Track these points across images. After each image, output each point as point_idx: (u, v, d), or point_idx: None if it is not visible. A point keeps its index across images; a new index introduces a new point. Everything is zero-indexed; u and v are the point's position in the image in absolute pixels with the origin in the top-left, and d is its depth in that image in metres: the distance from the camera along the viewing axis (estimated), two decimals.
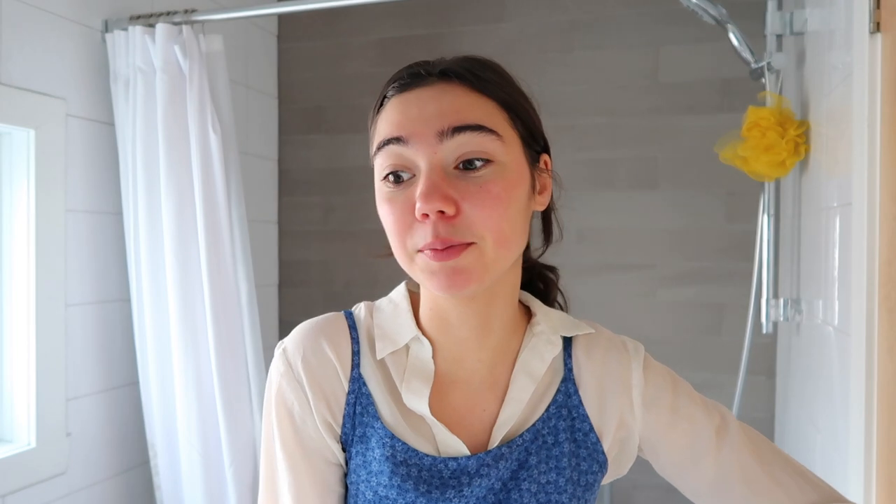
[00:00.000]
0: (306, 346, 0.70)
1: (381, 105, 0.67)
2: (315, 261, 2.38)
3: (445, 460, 0.67)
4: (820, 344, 1.32)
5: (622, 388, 0.71)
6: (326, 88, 2.35)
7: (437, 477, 0.66)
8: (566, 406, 0.70)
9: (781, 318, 1.57)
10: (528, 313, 0.75)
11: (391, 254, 0.67)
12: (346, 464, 0.70)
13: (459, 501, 0.66)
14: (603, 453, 0.70)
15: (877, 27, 0.95)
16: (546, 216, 0.75)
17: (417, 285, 0.74)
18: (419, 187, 0.61)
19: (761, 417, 1.95)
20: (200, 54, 1.67)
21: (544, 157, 0.70)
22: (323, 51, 2.35)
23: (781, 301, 1.57)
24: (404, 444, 0.67)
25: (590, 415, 0.71)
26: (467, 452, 0.67)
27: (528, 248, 0.74)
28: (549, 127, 0.72)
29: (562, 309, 0.79)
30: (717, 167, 1.55)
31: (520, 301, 0.75)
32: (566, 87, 2.09)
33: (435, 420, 0.67)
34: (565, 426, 0.69)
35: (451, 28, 2.21)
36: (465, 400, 0.70)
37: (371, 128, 0.68)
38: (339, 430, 0.69)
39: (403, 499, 0.65)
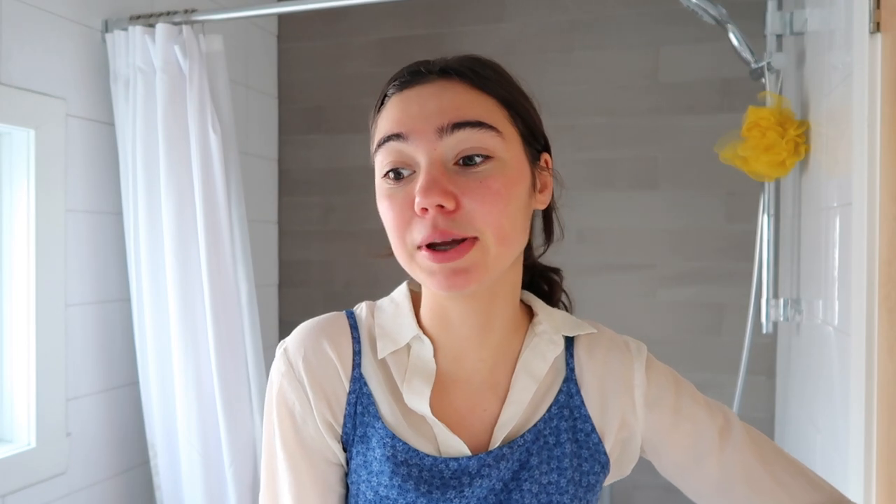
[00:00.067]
0: (307, 345, 0.70)
1: (382, 104, 0.67)
2: (315, 261, 2.38)
3: (446, 460, 0.66)
4: (820, 344, 1.32)
5: (624, 388, 0.71)
6: (326, 88, 2.35)
7: (438, 477, 0.66)
8: (568, 406, 0.70)
9: (781, 318, 1.57)
10: (530, 313, 0.75)
11: (391, 254, 0.67)
12: (347, 464, 0.70)
13: (460, 502, 0.66)
14: (605, 454, 0.70)
15: (877, 27, 0.95)
16: (547, 215, 0.75)
17: (419, 284, 0.73)
18: (419, 182, 0.61)
19: (761, 417, 1.95)
20: (200, 54, 1.67)
21: (545, 155, 0.71)
22: (323, 51, 2.35)
23: (781, 301, 1.57)
24: (405, 444, 0.67)
25: (592, 415, 0.70)
26: (468, 453, 0.67)
27: (529, 247, 0.74)
28: (549, 127, 0.72)
29: (566, 310, 0.79)
30: (717, 167, 1.55)
31: (522, 301, 0.75)
32: (566, 87, 2.09)
33: (436, 420, 0.67)
34: (567, 426, 0.69)
35: (452, 28, 2.21)
36: (466, 400, 0.70)
37: (371, 127, 0.69)
38: (339, 430, 0.69)
39: (404, 499, 0.65)
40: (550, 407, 0.70)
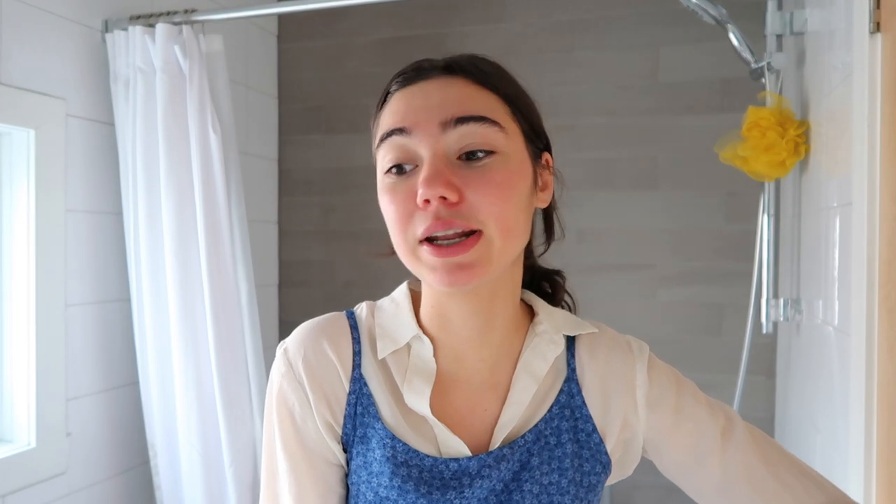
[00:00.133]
0: (307, 346, 0.70)
1: (385, 101, 0.67)
2: (315, 261, 2.38)
3: (446, 461, 0.66)
4: (820, 344, 1.32)
5: (626, 388, 0.71)
6: (326, 88, 2.35)
7: (438, 478, 0.66)
8: (569, 406, 0.70)
9: (781, 318, 1.57)
10: (530, 313, 0.74)
11: (392, 253, 0.67)
12: (347, 464, 0.70)
13: (460, 502, 0.66)
14: (606, 454, 0.70)
15: (877, 27, 0.95)
16: (548, 215, 0.75)
17: (419, 284, 0.73)
18: (421, 174, 0.61)
19: (761, 417, 1.95)
20: (200, 54, 1.67)
21: (546, 155, 0.71)
22: (323, 51, 2.35)
23: (781, 301, 1.57)
24: (405, 444, 0.66)
25: (593, 415, 0.70)
26: (468, 453, 0.67)
27: (529, 247, 0.74)
28: (549, 127, 0.72)
29: (569, 311, 0.78)
30: (717, 167, 1.55)
31: (522, 300, 0.75)
32: (566, 87, 2.09)
33: (436, 420, 0.67)
34: (568, 427, 0.69)
35: (452, 28, 2.21)
36: (466, 400, 0.69)
37: (373, 125, 0.68)
38: (339, 431, 0.69)
39: (404, 500, 0.65)
40: (551, 407, 0.69)
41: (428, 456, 0.66)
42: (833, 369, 1.20)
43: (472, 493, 0.66)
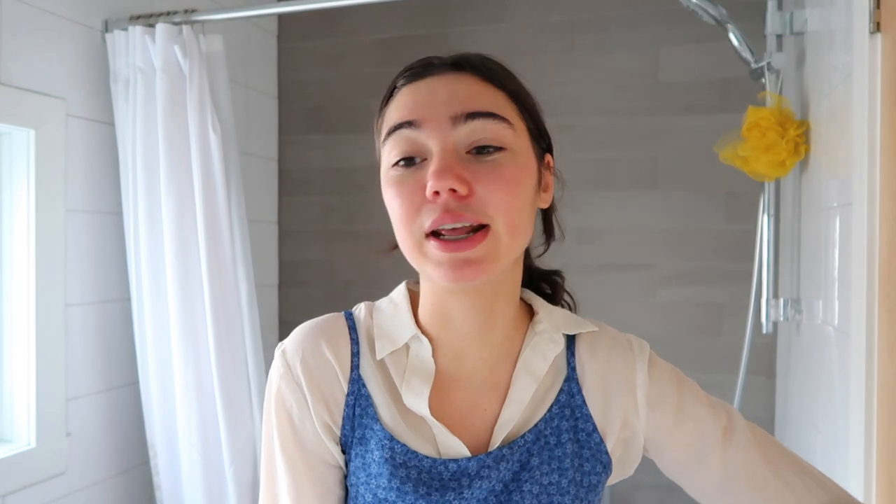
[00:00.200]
0: (305, 347, 0.69)
1: (391, 96, 0.67)
2: (315, 261, 2.38)
3: (445, 462, 0.66)
4: (820, 344, 1.32)
5: (626, 387, 0.71)
6: (326, 88, 2.35)
7: (437, 479, 0.66)
8: (569, 406, 0.70)
9: (781, 318, 1.57)
10: (530, 312, 0.74)
11: (394, 248, 0.67)
12: (346, 466, 0.70)
13: (459, 503, 0.65)
14: (607, 454, 0.69)
15: (877, 27, 0.95)
16: (547, 216, 0.75)
17: (418, 284, 0.73)
18: (431, 166, 0.60)
19: (761, 417, 1.95)
20: (200, 54, 1.67)
21: (548, 155, 0.71)
22: (323, 51, 2.35)
23: (781, 301, 1.57)
24: (403, 445, 0.66)
25: (593, 414, 0.70)
26: (467, 454, 0.66)
27: (528, 247, 0.74)
28: (549, 127, 0.72)
29: (570, 310, 0.78)
30: (717, 167, 1.55)
31: (522, 299, 0.74)
32: (566, 87, 2.09)
33: (435, 420, 0.67)
34: (568, 426, 0.69)
35: (452, 28, 2.21)
36: (465, 400, 0.69)
37: (378, 120, 0.68)
38: (338, 432, 0.69)
39: (403, 501, 0.65)
40: (551, 406, 0.69)
41: (427, 457, 0.66)
42: (833, 369, 1.20)
43: (472, 493, 0.65)
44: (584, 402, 0.70)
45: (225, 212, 1.69)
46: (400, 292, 0.74)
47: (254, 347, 1.76)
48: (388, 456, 0.66)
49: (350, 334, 0.71)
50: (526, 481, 0.66)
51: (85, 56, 1.67)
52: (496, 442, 0.67)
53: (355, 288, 2.32)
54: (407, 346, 0.70)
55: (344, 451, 0.69)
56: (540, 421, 0.68)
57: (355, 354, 0.70)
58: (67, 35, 1.62)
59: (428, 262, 0.62)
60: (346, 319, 0.72)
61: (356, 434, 0.68)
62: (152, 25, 1.67)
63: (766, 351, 1.94)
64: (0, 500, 1.46)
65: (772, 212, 1.56)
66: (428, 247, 0.61)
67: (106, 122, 1.73)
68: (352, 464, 0.68)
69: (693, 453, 0.70)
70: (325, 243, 2.36)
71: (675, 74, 2.01)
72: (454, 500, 0.65)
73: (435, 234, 0.61)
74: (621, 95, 2.05)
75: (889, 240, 0.90)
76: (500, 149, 0.62)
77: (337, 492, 0.70)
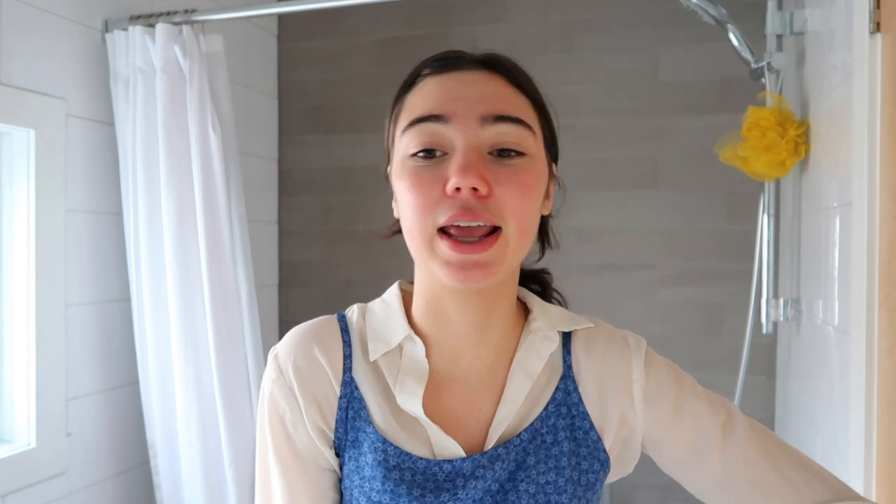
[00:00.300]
0: (297, 351, 0.69)
1: (413, 83, 0.66)
2: (315, 261, 2.38)
3: (440, 463, 0.65)
4: (820, 344, 1.32)
5: (623, 384, 0.70)
6: (326, 88, 2.35)
7: (432, 480, 0.65)
8: (565, 404, 0.69)
9: (781, 318, 1.57)
10: (525, 310, 0.74)
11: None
12: (340, 469, 0.69)
13: None
14: (604, 451, 0.69)
15: (877, 27, 0.95)
16: (543, 223, 0.74)
17: (411, 284, 0.72)
18: (455, 162, 0.60)
19: (761, 417, 1.93)
20: (200, 54, 1.67)
21: (553, 164, 0.71)
22: (323, 51, 2.35)
23: (781, 301, 1.57)
24: (396, 448, 0.66)
25: (590, 412, 0.69)
26: (462, 454, 0.66)
27: None
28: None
29: (561, 306, 0.78)
30: (717, 167, 1.55)
31: (517, 297, 0.74)
32: (566, 87, 2.09)
33: (429, 421, 0.66)
34: (565, 425, 0.68)
35: (452, 28, 2.21)
36: (461, 399, 0.69)
37: (395, 107, 0.67)
38: (331, 436, 0.68)
39: (397, 503, 0.64)
40: (547, 405, 0.69)
41: (421, 458, 0.66)
42: (833, 369, 1.20)
43: (467, 494, 0.65)
44: (580, 399, 0.70)
45: (225, 212, 1.69)
46: (392, 293, 0.73)
47: (254, 347, 1.76)
48: (381, 458, 0.65)
49: (342, 337, 0.70)
50: (522, 480, 0.66)
51: (85, 56, 1.67)
52: (491, 441, 0.67)
53: (355, 288, 2.32)
54: (400, 346, 0.69)
55: (338, 455, 0.69)
56: (536, 419, 0.68)
57: (348, 357, 0.69)
58: (67, 35, 1.62)
59: (436, 258, 0.62)
60: (339, 322, 0.72)
61: (349, 437, 0.67)
62: (152, 25, 1.67)
63: (766, 351, 1.94)
64: (0, 500, 1.46)
65: (772, 212, 1.56)
66: (438, 244, 0.61)
67: (106, 122, 1.73)
68: (346, 467, 0.68)
69: (692, 450, 0.70)
70: (325, 243, 2.36)
71: (675, 74, 2.01)
72: (449, 500, 0.65)
73: (444, 231, 0.61)
74: (621, 95, 2.05)
75: (889, 240, 0.90)
76: (521, 154, 0.63)
77: (331, 496, 0.70)
